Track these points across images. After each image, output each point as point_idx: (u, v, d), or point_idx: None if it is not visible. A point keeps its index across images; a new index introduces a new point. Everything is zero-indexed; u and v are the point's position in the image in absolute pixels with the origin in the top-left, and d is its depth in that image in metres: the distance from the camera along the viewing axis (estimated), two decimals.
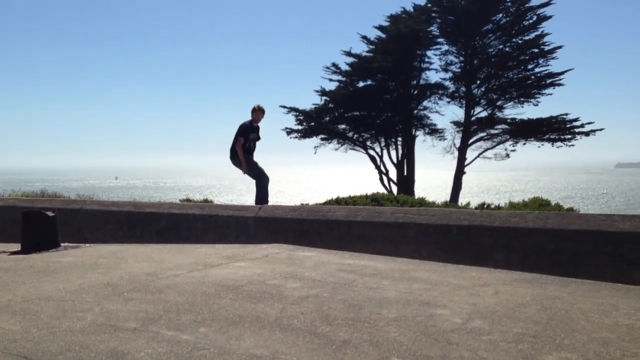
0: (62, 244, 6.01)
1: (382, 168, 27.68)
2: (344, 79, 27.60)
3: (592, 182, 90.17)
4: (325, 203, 13.46)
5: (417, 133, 27.90)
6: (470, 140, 26.81)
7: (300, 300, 3.45)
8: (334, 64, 27.30)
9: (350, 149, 28.28)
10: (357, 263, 4.62)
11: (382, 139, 27.99)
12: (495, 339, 2.69)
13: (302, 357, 2.52)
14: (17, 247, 5.97)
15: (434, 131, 27.99)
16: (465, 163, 26.83)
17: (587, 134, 24.71)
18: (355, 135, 28.06)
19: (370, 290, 3.68)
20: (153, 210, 7.09)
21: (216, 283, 3.86)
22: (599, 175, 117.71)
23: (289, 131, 27.54)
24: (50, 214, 5.84)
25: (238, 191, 69.53)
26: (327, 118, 27.68)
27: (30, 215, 5.86)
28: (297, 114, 27.49)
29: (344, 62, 27.69)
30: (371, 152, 28.02)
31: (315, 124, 27.43)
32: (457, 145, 27.08)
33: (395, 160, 27.71)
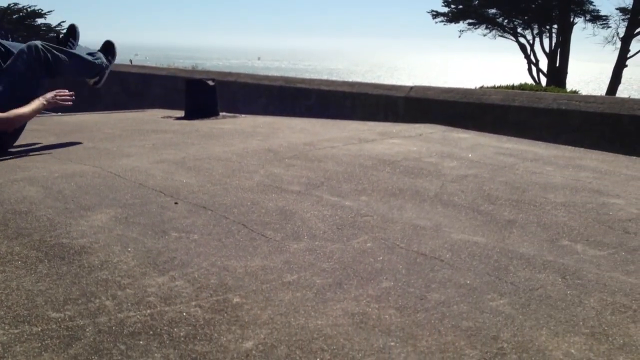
0: (220, 113, 6.31)
1: (532, 58, 25.94)
2: None
3: None
4: None
5: (576, 20, 25.56)
6: (638, 30, 24.16)
7: (459, 178, 3.39)
8: None
9: (499, 35, 26.63)
10: (515, 147, 4.43)
11: (535, 26, 26.00)
12: None
13: (465, 231, 2.50)
14: (180, 113, 6.37)
15: (596, 18, 25.49)
16: (628, 55, 24.40)
17: None
18: (506, 21, 26.28)
19: (533, 175, 3.52)
20: (303, 86, 7.18)
21: (372, 157, 3.88)
22: None
23: (435, 14, 26.32)
24: (210, 83, 6.10)
25: (376, 77, 68.87)
26: (477, 1, 26.04)
27: (192, 83, 6.17)
28: None
29: None
30: (522, 40, 26.23)
31: (464, 7, 25.94)
32: (621, 34, 24.57)
33: (547, 49, 25.79)
